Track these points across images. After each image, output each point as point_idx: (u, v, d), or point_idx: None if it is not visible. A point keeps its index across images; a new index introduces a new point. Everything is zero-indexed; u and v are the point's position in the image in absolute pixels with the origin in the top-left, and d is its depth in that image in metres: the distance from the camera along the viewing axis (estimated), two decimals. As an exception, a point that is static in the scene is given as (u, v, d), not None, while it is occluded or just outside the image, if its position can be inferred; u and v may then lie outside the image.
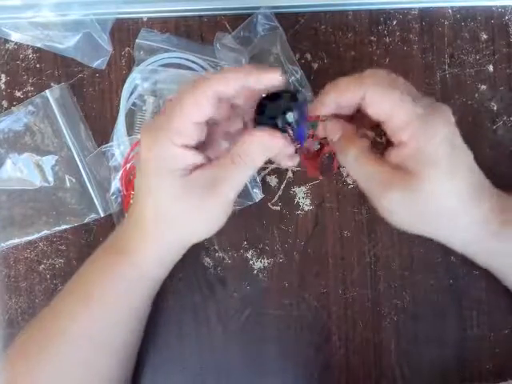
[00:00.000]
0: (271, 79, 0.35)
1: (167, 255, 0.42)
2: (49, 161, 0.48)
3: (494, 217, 0.38)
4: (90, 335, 0.40)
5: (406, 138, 0.36)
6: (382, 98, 0.36)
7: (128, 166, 0.45)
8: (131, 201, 0.46)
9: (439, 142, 0.36)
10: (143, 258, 0.40)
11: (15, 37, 0.48)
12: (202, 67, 0.47)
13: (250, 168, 0.38)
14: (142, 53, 0.47)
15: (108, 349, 0.41)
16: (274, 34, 0.46)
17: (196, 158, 0.37)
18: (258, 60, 0.47)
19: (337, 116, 0.39)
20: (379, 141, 0.44)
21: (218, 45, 0.46)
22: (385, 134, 0.39)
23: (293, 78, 0.46)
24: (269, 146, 0.37)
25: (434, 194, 0.36)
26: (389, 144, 0.39)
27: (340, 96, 0.38)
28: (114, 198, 0.47)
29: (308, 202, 0.47)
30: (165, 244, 0.40)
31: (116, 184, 0.46)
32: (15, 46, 0.49)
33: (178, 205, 0.37)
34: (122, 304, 0.41)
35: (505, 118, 0.47)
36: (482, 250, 0.40)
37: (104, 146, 0.46)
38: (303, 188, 0.47)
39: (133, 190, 0.46)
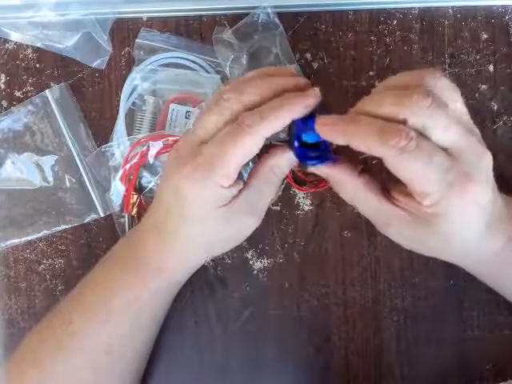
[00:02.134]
0: (312, 103, 0.35)
1: (195, 267, 0.43)
2: (48, 161, 0.48)
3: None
4: (109, 350, 0.40)
5: (426, 203, 0.33)
6: (403, 165, 0.32)
7: (127, 166, 0.45)
8: (131, 200, 0.46)
9: (466, 212, 0.33)
10: (174, 276, 0.41)
11: (15, 36, 0.48)
12: (201, 67, 0.47)
13: (279, 181, 0.39)
14: (141, 52, 0.47)
15: (125, 358, 0.42)
16: (275, 32, 0.46)
17: (238, 188, 0.37)
18: (257, 57, 0.47)
19: None
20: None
21: (216, 39, 0.46)
22: None
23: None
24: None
25: (444, 237, 0.35)
26: None
27: (356, 142, 0.33)
28: (113, 198, 0.47)
29: (308, 202, 0.47)
30: (197, 262, 0.42)
31: (116, 184, 0.46)
32: (15, 46, 0.48)
33: (222, 232, 0.38)
34: (144, 316, 0.42)
35: (505, 117, 0.47)
36: (496, 273, 0.40)
37: (104, 146, 0.46)
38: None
39: (133, 190, 0.46)
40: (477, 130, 0.35)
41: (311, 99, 0.35)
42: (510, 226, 0.37)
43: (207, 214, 0.37)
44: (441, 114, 0.32)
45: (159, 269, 0.40)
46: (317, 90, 0.35)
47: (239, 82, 0.37)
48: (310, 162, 0.36)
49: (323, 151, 0.36)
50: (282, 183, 0.47)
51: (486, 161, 0.34)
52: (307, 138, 0.35)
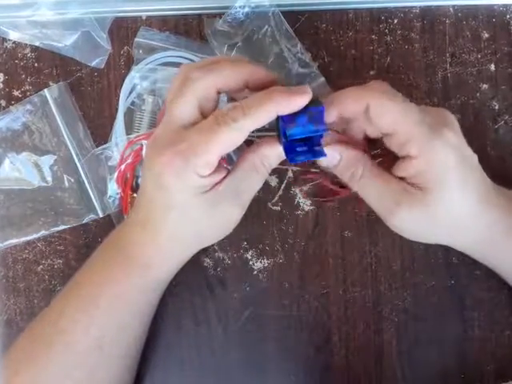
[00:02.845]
0: (302, 102, 0.34)
1: (183, 261, 0.42)
2: (47, 160, 0.47)
3: (504, 217, 0.38)
4: (99, 346, 0.40)
5: (413, 152, 0.35)
6: (386, 108, 0.35)
7: (122, 167, 0.45)
8: (128, 202, 0.46)
9: (448, 153, 0.35)
10: (160, 270, 0.41)
11: (13, 35, 0.48)
12: (201, 66, 0.47)
13: (267, 172, 0.39)
14: (140, 52, 0.47)
15: (117, 355, 0.41)
16: (265, 11, 0.46)
17: (220, 176, 0.37)
18: (253, 41, 0.46)
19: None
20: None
21: (209, 31, 0.46)
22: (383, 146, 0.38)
23: (295, 50, 0.46)
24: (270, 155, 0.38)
25: (445, 206, 0.36)
26: (387, 154, 0.38)
27: (342, 107, 0.36)
28: (111, 200, 0.46)
29: (308, 202, 0.47)
30: (184, 255, 0.41)
31: (113, 185, 0.46)
32: (13, 45, 0.48)
33: (205, 220, 0.38)
34: (133, 310, 0.41)
35: (506, 117, 0.46)
36: (491, 250, 0.41)
37: (97, 149, 0.46)
38: (303, 188, 0.47)
39: (130, 190, 0.46)
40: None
41: (305, 97, 0.34)
42: (498, 207, 0.38)
43: (188, 201, 0.36)
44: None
45: (146, 264, 0.40)
46: (308, 87, 0.34)
47: (208, 60, 0.37)
48: (298, 158, 0.36)
49: (313, 146, 0.36)
50: (283, 183, 0.47)
51: (448, 112, 0.37)
52: (294, 133, 0.34)
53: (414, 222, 0.38)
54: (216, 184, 0.37)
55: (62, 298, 0.42)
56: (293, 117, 0.34)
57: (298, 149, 0.36)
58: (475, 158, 0.38)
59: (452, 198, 0.36)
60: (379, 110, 0.35)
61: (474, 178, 0.37)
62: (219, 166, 0.36)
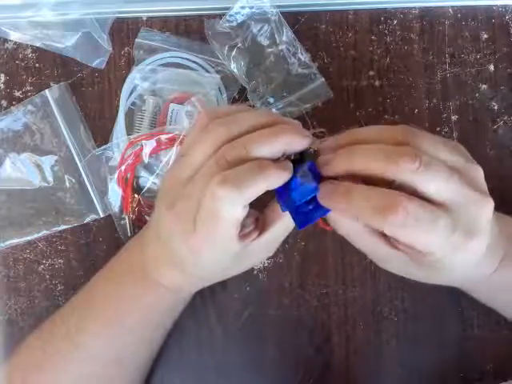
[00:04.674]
0: (303, 143, 0.32)
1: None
2: (48, 161, 0.48)
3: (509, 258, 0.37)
4: (120, 360, 0.40)
5: (431, 259, 0.32)
6: (407, 236, 0.30)
7: (122, 167, 0.45)
8: (129, 203, 0.46)
9: (468, 260, 0.32)
10: (188, 293, 0.42)
11: (14, 36, 0.48)
12: (201, 67, 0.47)
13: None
14: (141, 52, 0.47)
15: (135, 368, 0.42)
16: (265, 12, 0.46)
17: (252, 236, 0.34)
18: (254, 41, 0.46)
19: None
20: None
21: (210, 32, 0.46)
22: None
23: (295, 51, 0.46)
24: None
25: (446, 274, 0.34)
26: None
27: (351, 215, 0.32)
28: (112, 200, 0.46)
29: (308, 202, 0.47)
30: (210, 281, 0.42)
31: (113, 185, 0.46)
32: (14, 46, 0.48)
33: (233, 266, 0.37)
34: (157, 329, 0.42)
35: (505, 117, 0.47)
36: (491, 293, 0.41)
37: (98, 150, 0.46)
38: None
39: (131, 190, 0.46)
40: (476, 171, 0.32)
41: (286, 173, 0.31)
42: (500, 249, 0.36)
43: (219, 257, 0.35)
44: (431, 172, 0.30)
45: (175, 290, 0.40)
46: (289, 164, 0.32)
47: (254, 162, 0.31)
48: (313, 220, 0.34)
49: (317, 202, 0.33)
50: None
51: (487, 210, 0.31)
52: (302, 196, 0.33)
53: (406, 274, 0.37)
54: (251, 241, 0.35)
55: (79, 314, 0.41)
56: (303, 187, 0.32)
57: (312, 213, 0.34)
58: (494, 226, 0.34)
59: (455, 270, 0.34)
60: (395, 236, 0.31)
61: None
62: (253, 233, 0.34)
